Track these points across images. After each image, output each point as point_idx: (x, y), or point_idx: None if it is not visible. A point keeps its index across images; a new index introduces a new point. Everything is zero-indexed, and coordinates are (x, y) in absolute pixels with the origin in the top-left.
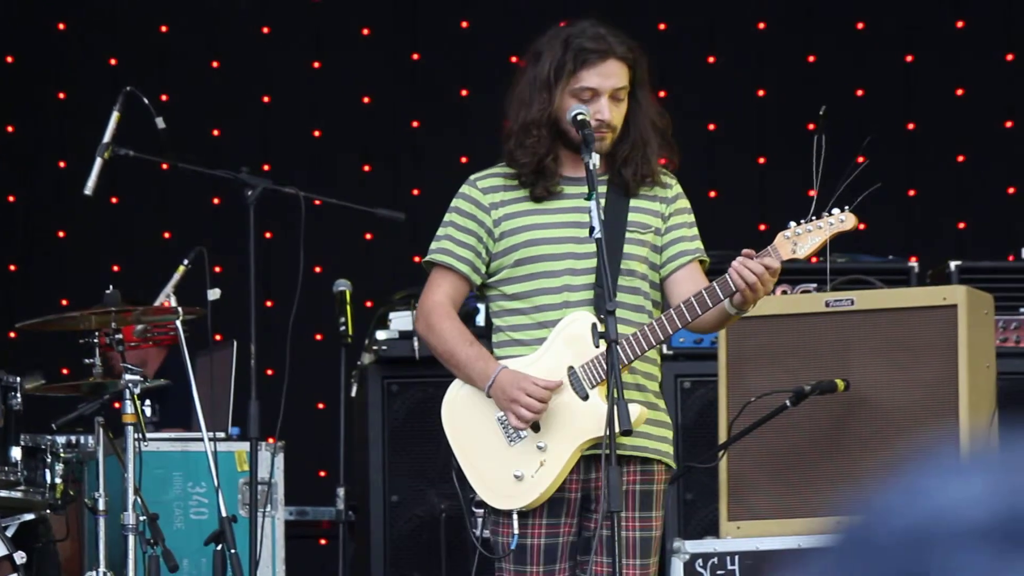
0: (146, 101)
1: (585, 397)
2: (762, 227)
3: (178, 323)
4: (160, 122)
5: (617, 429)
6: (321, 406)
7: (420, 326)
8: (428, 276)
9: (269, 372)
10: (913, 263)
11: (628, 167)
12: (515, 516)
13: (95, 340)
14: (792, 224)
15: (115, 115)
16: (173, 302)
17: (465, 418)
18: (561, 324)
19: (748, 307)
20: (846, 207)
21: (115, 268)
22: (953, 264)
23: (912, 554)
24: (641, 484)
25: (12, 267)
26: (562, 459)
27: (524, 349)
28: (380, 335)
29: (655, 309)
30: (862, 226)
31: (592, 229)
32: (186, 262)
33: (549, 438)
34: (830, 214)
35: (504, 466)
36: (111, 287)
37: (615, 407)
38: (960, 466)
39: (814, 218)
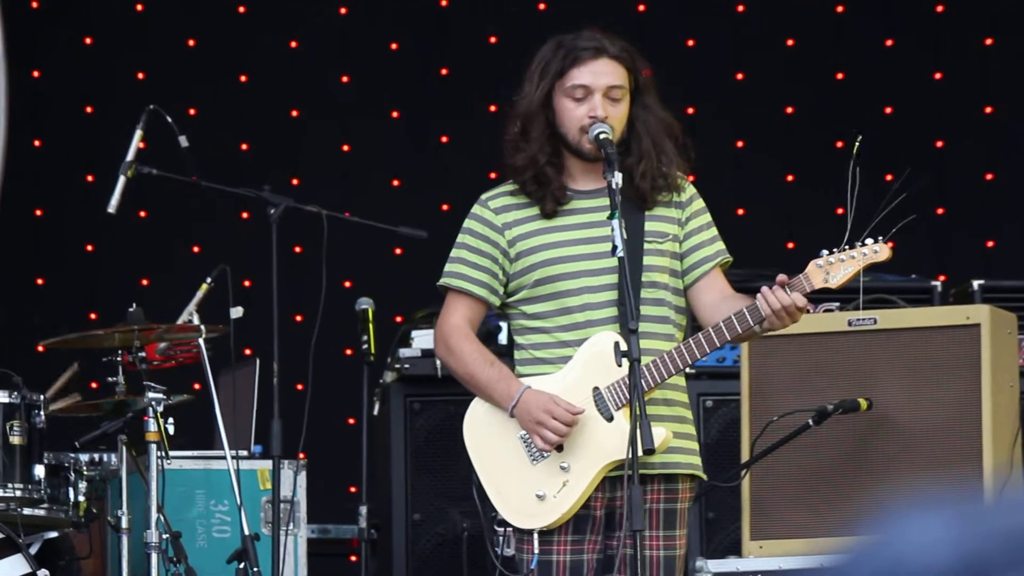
0: (169, 120)
1: (610, 418)
2: (790, 245)
3: (201, 341)
4: (183, 140)
5: (640, 450)
6: (351, 422)
7: (440, 350)
8: (444, 299)
9: (299, 387)
10: (936, 282)
11: (644, 179)
12: (536, 535)
13: (118, 358)
14: (824, 252)
15: (138, 133)
16: (196, 320)
17: (487, 437)
18: (586, 344)
19: (775, 330)
20: (879, 237)
21: (144, 282)
22: (976, 283)
23: None
24: (665, 503)
25: (40, 281)
26: (585, 480)
27: (548, 368)
28: (403, 353)
29: (679, 316)
30: (890, 244)
31: (615, 248)
32: (209, 280)
33: (573, 459)
34: (863, 244)
35: (526, 485)
36: (134, 305)
37: (638, 426)
38: (923, 512)
39: (846, 247)
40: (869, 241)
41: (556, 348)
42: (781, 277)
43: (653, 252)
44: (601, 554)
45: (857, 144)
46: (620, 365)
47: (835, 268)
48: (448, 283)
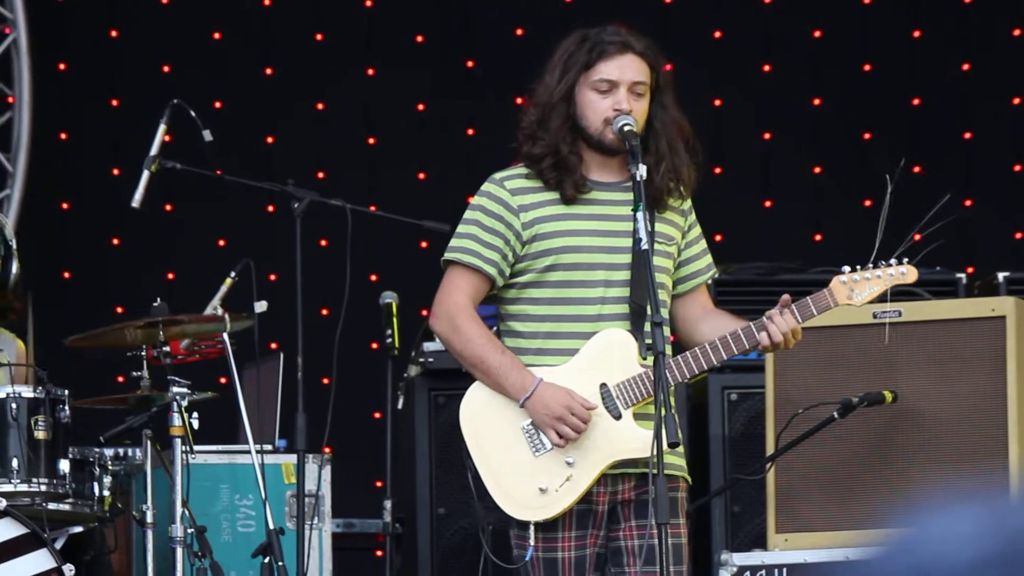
0: (193, 114)
1: (618, 416)
2: (817, 237)
3: (225, 335)
4: (207, 135)
5: (665, 443)
6: (377, 415)
7: (442, 327)
8: (445, 274)
9: (324, 381)
10: (961, 275)
11: (662, 179)
12: (531, 528)
13: (143, 353)
14: (847, 269)
15: (162, 127)
16: (220, 314)
17: (486, 425)
18: (595, 339)
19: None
20: (906, 259)
21: (169, 276)
22: (1001, 275)
23: None
24: (668, 492)
25: (66, 274)
26: (589, 477)
27: (547, 359)
28: (427, 347)
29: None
30: (917, 236)
31: (639, 240)
32: (233, 274)
33: (578, 454)
34: (889, 265)
35: (528, 477)
36: (159, 299)
37: (662, 420)
38: (954, 507)
39: (872, 266)
40: (894, 262)
41: (560, 339)
42: (785, 298)
43: (660, 253)
44: (603, 548)
45: (898, 170)
46: (645, 358)
47: (860, 286)
48: (458, 258)
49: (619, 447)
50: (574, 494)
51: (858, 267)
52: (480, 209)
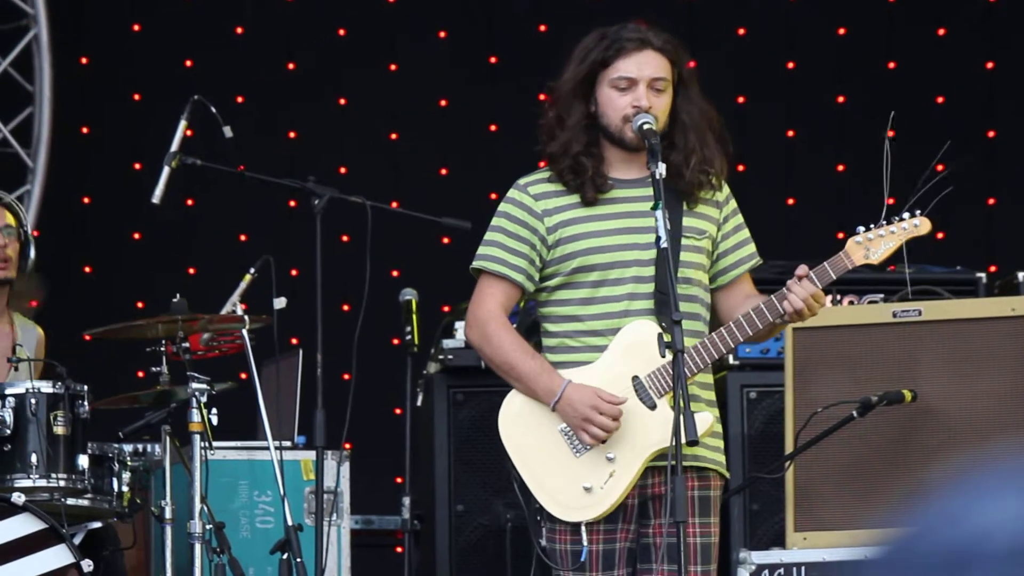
0: (213, 110)
1: (653, 407)
2: (840, 235)
3: (244, 332)
4: (228, 131)
5: (683, 440)
6: (398, 412)
7: (474, 335)
8: (477, 283)
9: (345, 377)
10: (981, 274)
11: (693, 172)
12: (583, 528)
13: (162, 349)
14: (861, 229)
15: (182, 123)
16: (239, 310)
17: (526, 431)
18: (622, 333)
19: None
20: (918, 211)
21: (191, 271)
22: (1021, 275)
23: (951, 573)
24: (699, 491)
25: (87, 269)
26: (632, 470)
27: (578, 356)
28: (446, 344)
29: (708, 313)
30: (940, 235)
31: (659, 239)
32: (252, 271)
33: (618, 449)
34: (901, 219)
35: (572, 479)
36: (178, 295)
37: (681, 417)
38: (999, 487)
39: (885, 223)
40: (907, 215)
41: (588, 337)
42: (801, 269)
43: (690, 248)
44: (634, 543)
45: (891, 119)
46: (664, 356)
47: (875, 244)
48: (484, 266)
49: (655, 437)
50: (619, 489)
51: (872, 225)
52: (505, 216)
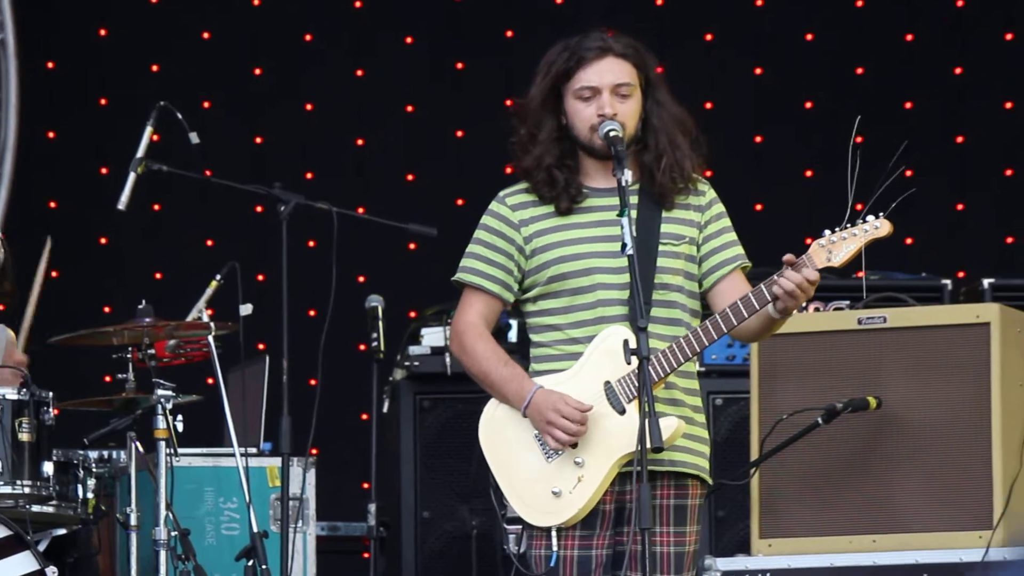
0: (179, 116)
1: (622, 412)
2: (808, 240)
3: (210, 338)
4: (194, 137)
5: (649, 446)
6: (364, 417)
7: (454, 346)
8: (460, 295)
9: (312, 383)
10: (946, 281)
11: (666, 175)
12: (553, 532)
13: (128, 355)
14: (827, 232)
15: (148, 129)
16: (205, 317)
17: (502, 437)
18: (597, 339)
19: (791, 312)
20: (880, 213)
21: (157, 276)
22: (986, 282)
23: None
24: (675, 499)
25: (54, 273)
26: (600, 474)
27: (560, 364)
28: (412, 350)
29: (694, 319)
30: (908, 240)
31: (624, 246)
32: (219, 277)
33: (587, 454)
34: (864, 221)
35: (542, 483)
36: (144, 302)
37: (647, 424)
38: None
39: (848, 225)
40: (870, 218)
41: (568, 345)
42: (788, 256)
43: (667, 254)
44: (610, 549)
45: (857, 124)
46: (629, 363)
47: (837, 247)
48: (463, 279)
49: (624, 442)
50: (587, 494)
51: (835, 228)
52: (485, 228)
